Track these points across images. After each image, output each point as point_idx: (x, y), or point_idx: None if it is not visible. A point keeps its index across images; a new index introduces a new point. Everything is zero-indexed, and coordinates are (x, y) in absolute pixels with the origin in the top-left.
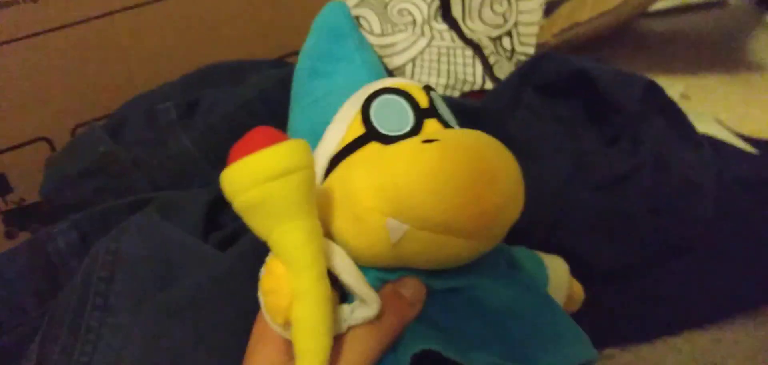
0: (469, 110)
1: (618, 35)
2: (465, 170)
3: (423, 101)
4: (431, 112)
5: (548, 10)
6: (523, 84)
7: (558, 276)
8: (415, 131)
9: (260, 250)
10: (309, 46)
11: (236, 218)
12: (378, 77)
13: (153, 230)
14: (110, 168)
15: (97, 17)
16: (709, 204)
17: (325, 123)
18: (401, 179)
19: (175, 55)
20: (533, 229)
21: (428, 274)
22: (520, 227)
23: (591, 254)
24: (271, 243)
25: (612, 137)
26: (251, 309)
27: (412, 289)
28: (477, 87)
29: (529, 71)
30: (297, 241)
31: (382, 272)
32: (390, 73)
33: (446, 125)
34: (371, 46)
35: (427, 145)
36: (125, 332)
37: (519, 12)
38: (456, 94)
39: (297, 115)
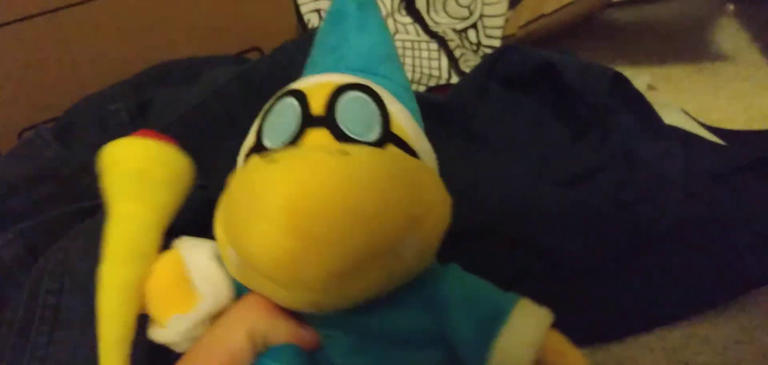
0: (435, 106)
1: (584, 26)
2: (274, 204)
3: (317, 106)
4: (325, 119)
5: (514, 2)
6: (489, 77)
7: (525, 328)
8: (293, 142)
9: None
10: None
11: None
12: (364, 65)
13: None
14: (58, 174)
15: (40, 14)
16: (677, 197)
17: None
18: (230, 204)
19: (126, 53)
20: (501, 224)
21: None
22: (488, 223)
23: (560, 249)
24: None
25: (579, 130)
26: None
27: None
28: (443, 81)
29: (494, 64)
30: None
31: None
32: None
33: (342, 135)
34: (383, 23)
35: (259, 167)
36: (74, 347)
37: (484, 4)
38: (422, 88)
39: None
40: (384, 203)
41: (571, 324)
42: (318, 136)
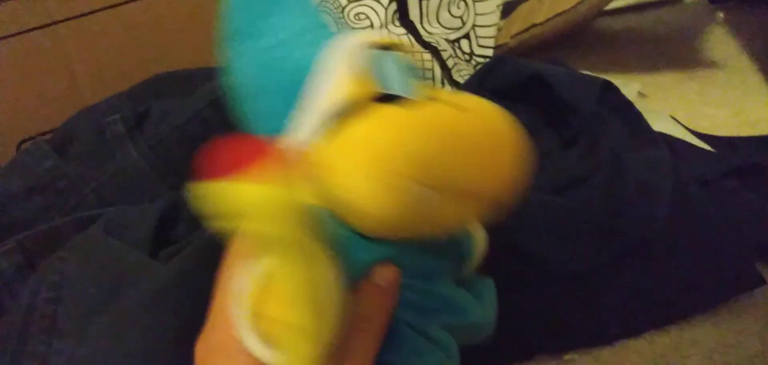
0: None
1: (576, 35)
2: (493, 137)
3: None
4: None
5: (507, 12)
6: (481, 88)
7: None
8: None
9: (202, 260)
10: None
11: (187, 234)
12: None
13: (100, 249)
14: (56, 185)
15: (38, 28)
16: (665, 204)
17: (281, 71)
18: (434, 144)
19: (123, 65)
20: (495, 232)
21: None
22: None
23: (550, 256)
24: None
25: (569, 139)
26: (196, 320)
27: (386, 276)
28: None
29: (486, 75)
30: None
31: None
32: None
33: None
34: None
35: (453, 109)
36: (70, 355)
37: (476, 14)
38: None
39: (241, 57)
40: None
41: (561, 329)
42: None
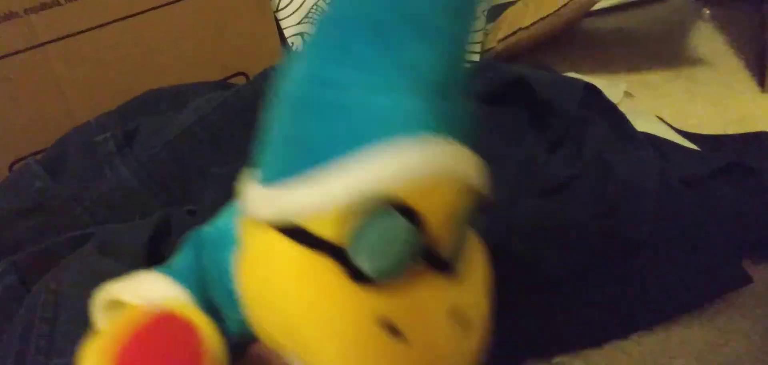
0: None
1: (562, 36)
2: None
3: (444, 249)
4: (432, 255)
5: (493, 17)
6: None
7: None
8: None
9: None
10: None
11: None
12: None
13: (93, 267)
14: (48, 205)
15: (26, 49)
16: (652, 205)
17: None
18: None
19: (113, 83)
20: (485, 237)
21: None
22: None
23: (538, 260)
24: None
25: (555, 142)
26: None
27: None
28: None
29: (471, 80)
30: None
31: None
32: None
33: (439, 263)
34: None
35: (384, 345)
36: None
37: None
38: None
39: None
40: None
41: (550, 332)
42: (433, 281)
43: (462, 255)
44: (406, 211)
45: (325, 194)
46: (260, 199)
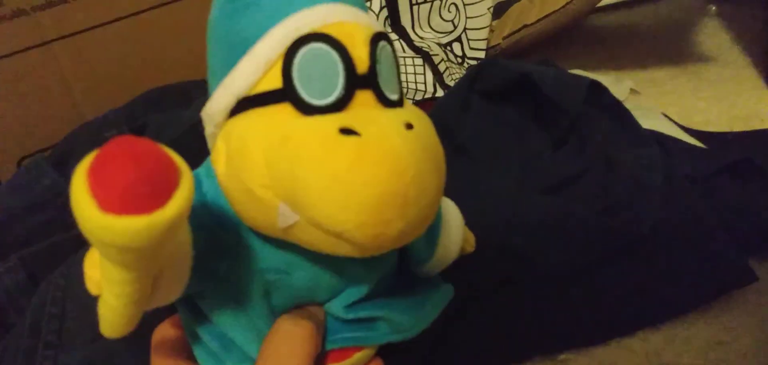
0: None
1: (568, 33)
2: (377, 188)
3: (362, 63)
4: (369, 80)
5: (498, 13)
6: (470, 91)
7: (453, 219)
8: (342, 104)
9: None
10: None
11: None
12: None
13: None
14: (57, 201)
15: (34, 47)
16: (656, 202)
17: (242, 42)
18: (304, 174)
19: (119, 80)
20: (486, 234)
21: (339, 304)
22: (476, 233)
23: (543, 256)
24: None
25: (559, 139)
26: None
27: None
28: (428, 95)
29: (475, 78)
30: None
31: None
32: None
33: (382, 97)
34: None
35: (343, 142)
36: None
37: (468, 17)
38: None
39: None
40: (442, 172)
41: (556, 329)
42: (365, 98)
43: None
44: (325, 39)
45: (260, 55)
46: (216, 99)
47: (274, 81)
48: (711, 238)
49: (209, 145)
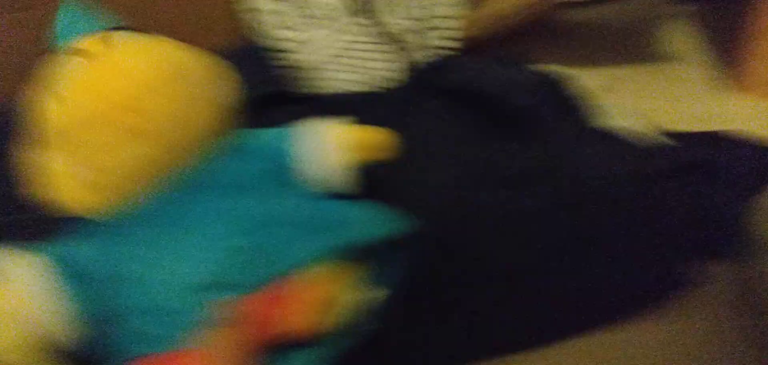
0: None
1: (544, 27)
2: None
3: None
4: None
5: (474, 2)
6: (423, 88)
7: (314, 141)
8: None
9: None
10: None
11: None
12: None
13: None
14: None
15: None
16: (610, 201)
17: None
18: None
19: None
20: (435, 232)
21: None
22: (421, 232)
23: (497, 254)
24: None
25: (513, 136)
26: None
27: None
28: (400, 82)
29: (427, 76)
30: None
31: None
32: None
33: None
34: None
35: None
36: None
37: (441, 5)
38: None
39: None
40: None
41: (509, 330)
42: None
43: None
44: None
45: None
46: None
47: None
48: (661, 240)
49: None
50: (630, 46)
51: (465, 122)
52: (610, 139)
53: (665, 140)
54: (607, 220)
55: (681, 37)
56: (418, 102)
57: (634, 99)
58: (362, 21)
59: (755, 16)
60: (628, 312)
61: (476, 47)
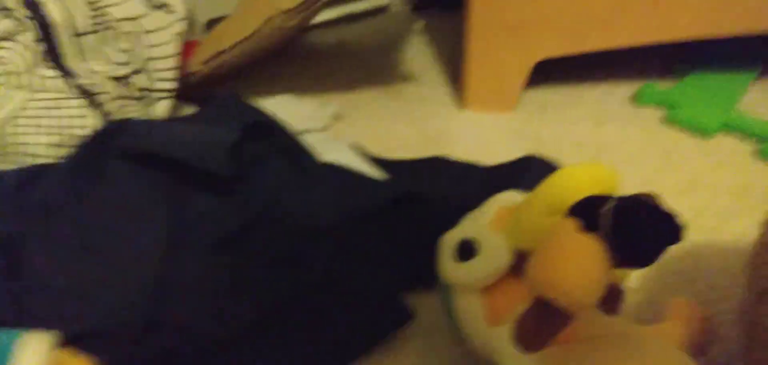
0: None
1: (284, 51)
2: None
3: None
4: None
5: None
6: (105, 154)
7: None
8: None
9: None
10: None
11: None
12: None
13: None
14: None
15: None
16: (326, 247)
17: None
18: None
19: None
20: (137, 308)
21: None
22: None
23: (207, 321)
24: None
25: (224, 190)
26: None
27: None
28: None
29: (109, 140)
30: None
31: None
32: None
33: None
34: None
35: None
36: None
37: (151, 46)
38: (66, 151)
39: None
40: None
41: None
42: None
43: None
44: None
45: None
46: None
47: None
48: (374, 279)
49: None
50: (370, 67)
51: (158, 182)
52: (329, 179)
53: (379, 171)
54: (323, 270)
55: (417, 56)
56: (100, 170)
57: (368, 123)
58: (48, 73)
59: (468, 38)
60: (341, 362)
61: (201, 83)
